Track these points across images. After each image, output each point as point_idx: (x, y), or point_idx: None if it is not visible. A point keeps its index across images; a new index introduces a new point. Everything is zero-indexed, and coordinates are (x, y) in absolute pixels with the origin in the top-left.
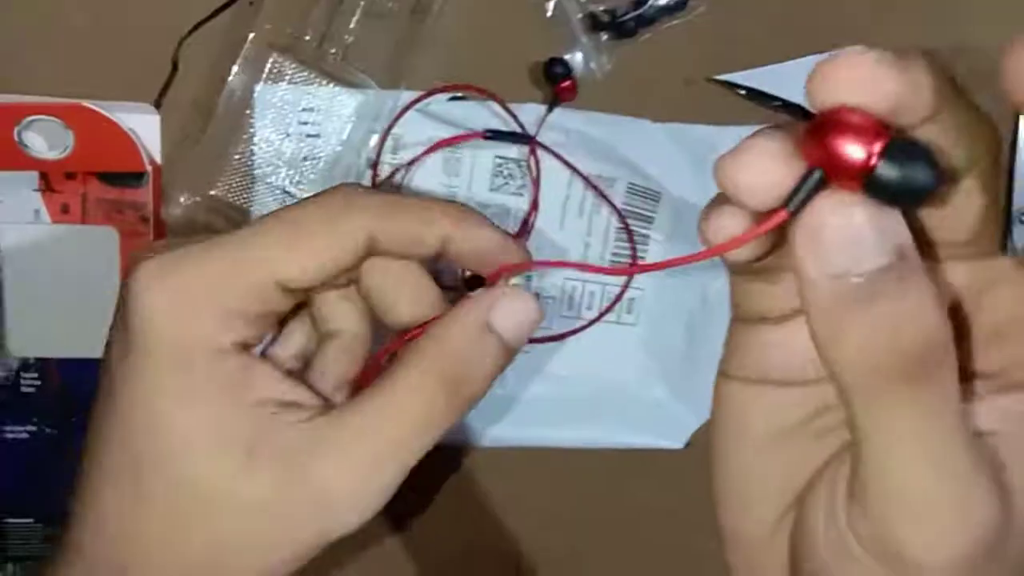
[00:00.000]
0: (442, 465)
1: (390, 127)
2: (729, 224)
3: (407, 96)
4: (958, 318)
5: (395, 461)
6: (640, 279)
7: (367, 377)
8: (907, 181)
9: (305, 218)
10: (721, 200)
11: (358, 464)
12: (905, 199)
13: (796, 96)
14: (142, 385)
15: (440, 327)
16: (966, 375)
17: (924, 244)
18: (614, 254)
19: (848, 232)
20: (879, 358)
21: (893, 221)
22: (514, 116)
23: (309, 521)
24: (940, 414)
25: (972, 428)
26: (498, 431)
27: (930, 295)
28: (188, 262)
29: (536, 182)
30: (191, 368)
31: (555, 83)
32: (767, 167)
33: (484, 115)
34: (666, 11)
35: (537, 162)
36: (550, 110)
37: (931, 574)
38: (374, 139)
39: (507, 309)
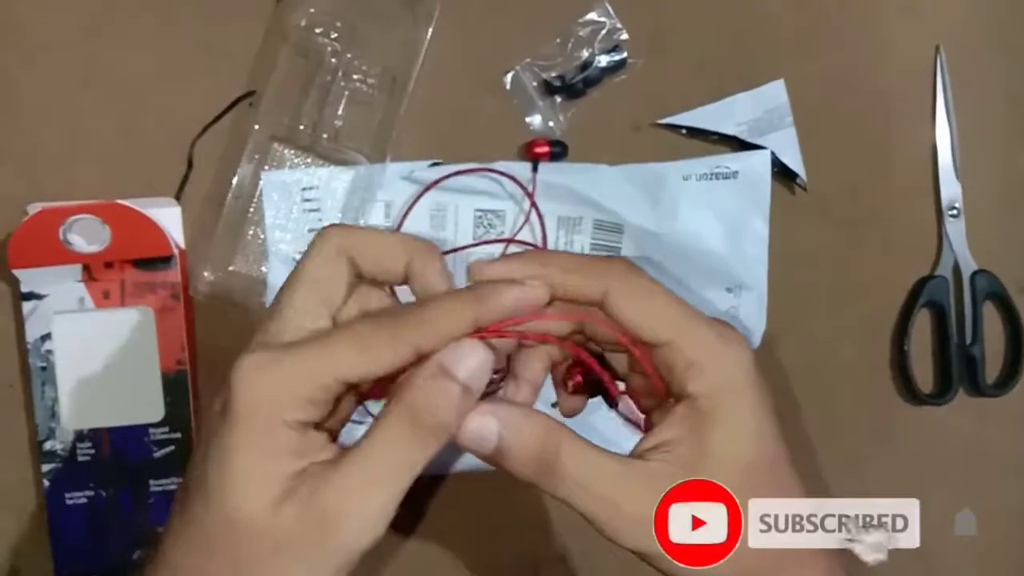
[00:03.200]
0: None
1: None
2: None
3: (393, 166)
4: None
5: (382, 487)
6: None
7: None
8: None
9: (366, 333)
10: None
11: (352, 492)
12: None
13: (728, 128)
14: (233, 441)
15: (406, 377)
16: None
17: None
18: None
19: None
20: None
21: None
22: (511, 176)
23: (325, 541)
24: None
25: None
26: None
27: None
28: (280, 364)
29: (543, 227)
30: (273, 435)
31: (533, 151)
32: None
33: (461, 176)
34: (608, 71)
35: (539, 213)
36: (534, 169)
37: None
38: (368, 206)
39: (456, 354)
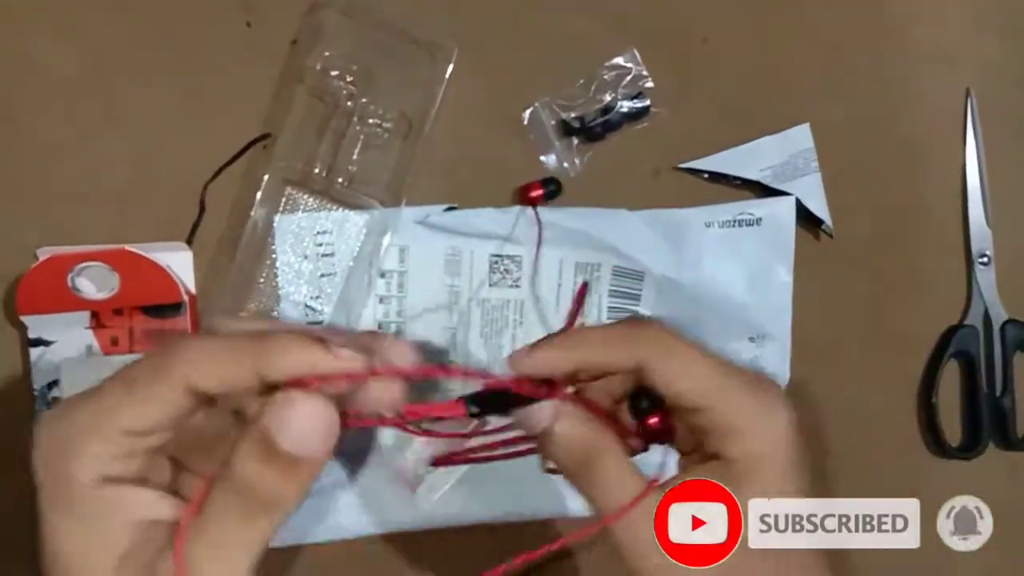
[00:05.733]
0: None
1: None
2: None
3: (408, 211)
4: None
5: (215, 562)
6: None
7: None
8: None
9: (135, 375)
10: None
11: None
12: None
13: (751, 173)
14: (43, 508)
15: (233, 453)
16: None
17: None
18: None
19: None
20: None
21: None
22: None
23: None
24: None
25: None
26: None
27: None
28: (60, 417)
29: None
30: (71, 497)
31: (527, 195)
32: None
33: (477, 220)
34: (630, 117)
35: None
36: (536, 213)
37: None
38: (383, 251)
39: (279, 417)
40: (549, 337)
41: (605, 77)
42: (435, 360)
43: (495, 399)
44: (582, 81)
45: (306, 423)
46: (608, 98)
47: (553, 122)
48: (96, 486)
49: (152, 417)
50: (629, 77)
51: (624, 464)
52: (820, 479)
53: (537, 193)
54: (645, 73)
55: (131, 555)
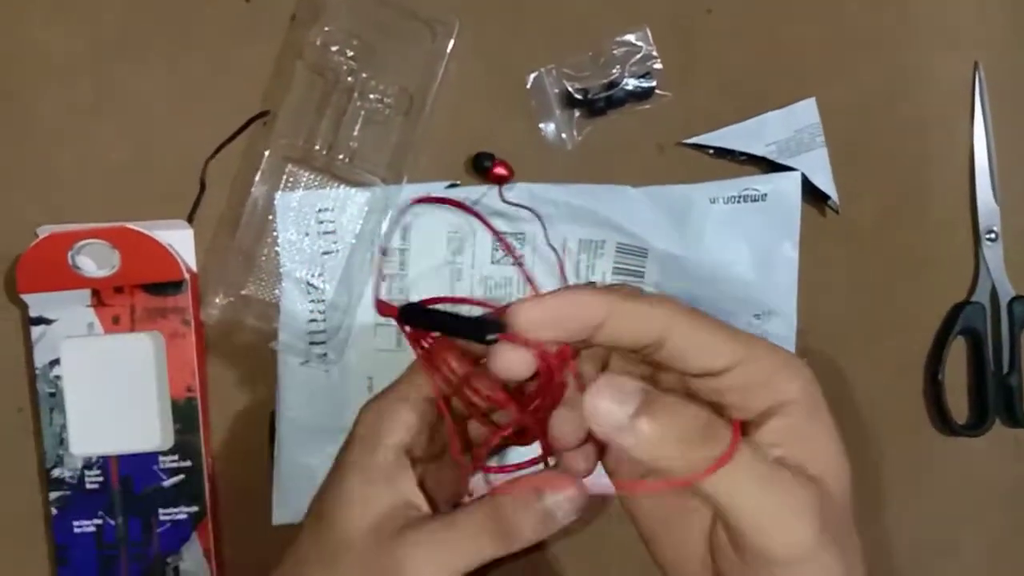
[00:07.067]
0: None
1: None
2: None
3: (409, 188)
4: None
5: (442, 562)
6: None
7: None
8: None
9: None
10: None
11: (415, 555)
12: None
13: (757, 149)
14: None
15: (501, 490)
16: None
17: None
18: None
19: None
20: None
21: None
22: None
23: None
24: (742, 464)
25: (770, 456)
26: None
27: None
28: (377, 397)
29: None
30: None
31: (486, 172)
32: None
33: (477, 196)
34: (634, 95)
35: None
36: (500, 193)
37: (800, 561)
38: (384, 229)
39: (556, 489)
40: (570, 289)
41: (614, 52)
42: None
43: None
44: (590, 54)
45: (567, 500)
46: (615, 73)
47: (556, 91)
48: (397, 452)
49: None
50: (638, 56)
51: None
52: None
53: (501, 171)
54: (655, 54)
55: (385, 521)
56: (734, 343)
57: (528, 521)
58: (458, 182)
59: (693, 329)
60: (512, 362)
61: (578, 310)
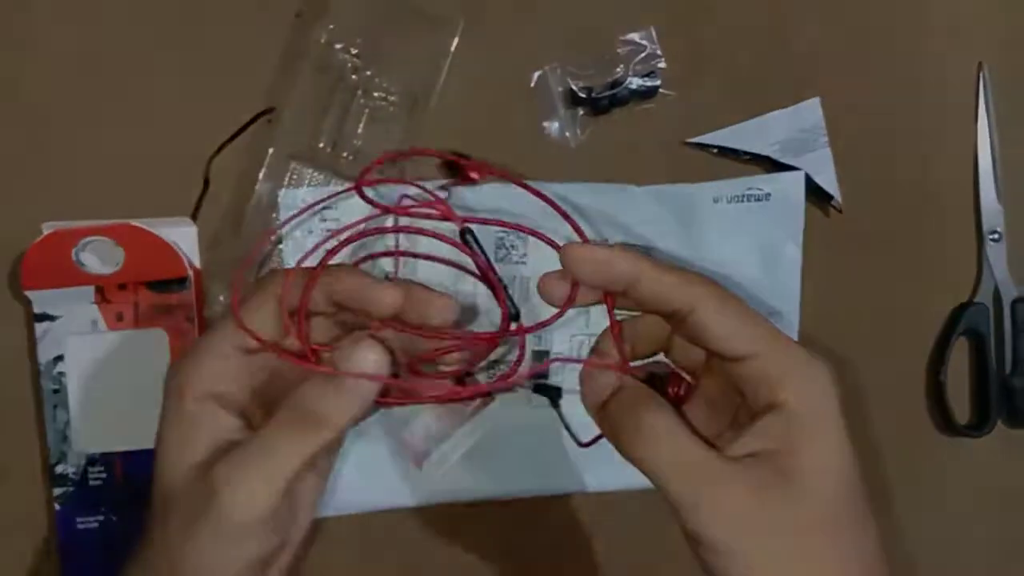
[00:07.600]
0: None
1: None
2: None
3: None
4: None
5: (264, 467)
6: None
7: None
8: None
9: (244, 300)
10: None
11: (237, 467)
12: None
13: (760, 148)
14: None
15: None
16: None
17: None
18: None
19: None
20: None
21: None
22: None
23: (208, 509)
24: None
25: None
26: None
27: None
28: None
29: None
30: (181, 408)
31: (460, 172)
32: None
33: (476, 196)
34: (638, 94)
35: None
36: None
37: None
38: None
39: (344, 352)
40: (617, 245)
41: (619, 51)
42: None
43: None
44: (594, 53)
45: (366, 355)
46: (619, 71)
47: (560, 89)
48: (200, 400)
49: (255, 326)
50: (643, 55)
51: (679, 424)
52: None
53: (474, 172)
54: (659, 53)
55: (203, 463)
56: (755, 334)
57: (330, 404)
58: (457, 181)
59: (719, 309)
60: (556, 290)
61: (616, 262)
